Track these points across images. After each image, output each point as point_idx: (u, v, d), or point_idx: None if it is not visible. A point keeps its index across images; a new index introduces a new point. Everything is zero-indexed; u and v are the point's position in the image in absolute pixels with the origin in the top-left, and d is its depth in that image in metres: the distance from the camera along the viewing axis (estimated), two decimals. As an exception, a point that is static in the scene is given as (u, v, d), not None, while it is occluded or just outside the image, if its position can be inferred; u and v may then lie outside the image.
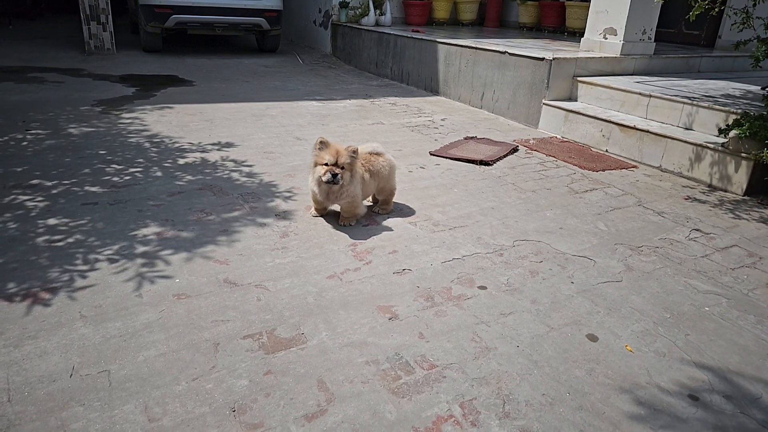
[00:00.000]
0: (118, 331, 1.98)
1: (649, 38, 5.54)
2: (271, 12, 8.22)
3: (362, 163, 2.91)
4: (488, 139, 4.79)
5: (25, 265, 2.37)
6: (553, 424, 1.69)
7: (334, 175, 2.67)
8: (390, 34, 7.50)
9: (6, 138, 4.03)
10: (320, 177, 2.70)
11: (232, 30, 8.36)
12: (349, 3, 8.57)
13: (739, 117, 3.72)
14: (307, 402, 1.71)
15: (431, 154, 4.28)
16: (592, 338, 2.12)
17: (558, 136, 5.04)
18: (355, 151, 2.74)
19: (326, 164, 2.68)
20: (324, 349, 1.96)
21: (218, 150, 4.09)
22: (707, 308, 2.37)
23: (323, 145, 2.70)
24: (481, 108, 6.03)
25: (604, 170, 4.11)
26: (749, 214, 3.40)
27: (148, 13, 7.63)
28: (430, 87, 6.81)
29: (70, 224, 2.76)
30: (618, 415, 1.74)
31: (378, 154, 3.03)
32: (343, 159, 2.69)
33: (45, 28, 10.39)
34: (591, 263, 2.70)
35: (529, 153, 4.48)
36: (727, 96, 4.54)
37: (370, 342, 2.02)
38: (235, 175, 3.61)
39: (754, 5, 3.69)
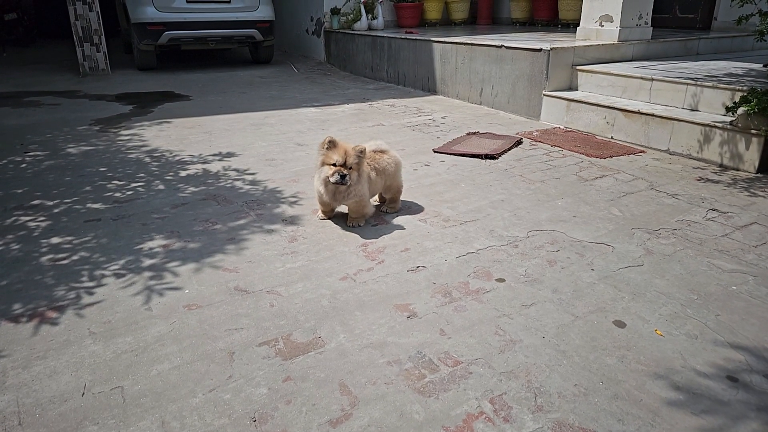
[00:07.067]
0: (129, 346, 1.91)
1: (646, 23, 5.49)
2: (263, 23, 8.20)
3: (367, 162, 2.84)
4: (491, 133, 4.73)
5: (30, 285, 2.31)
6: (590, 415, 1.61)
7: (343, 176, 2.60)
8: (384, 37, 7.47)
9: (5, 161, 3.98)
10: (327, 177, 2.63)
11: (225, 43, 8.34)
12: (340, 9, 8.56)
13: (746, 94, 3.65)
14: (330, 407, 1.64)
15: (435, 152, 4.22)
16: (620, 324, 2.04)
17: (561, 127, 4.98)
18: (362, 151, 2.68)
19: (334, 164, 2.62)
20: (343, 352, 1.88)
21: (219, 160, 4.04)
22: (734, 287, 2.29)
23: (332, 144, 2.64)
24: (480, 104, 5.97)
25: (611, 157, 4.05)
26: (765, 191, 3.33)
27: (141, 31, 7.61)
28: (428, 87, 6.76)
29: (73, 242, 2.70)
30: (656, 402, 1.66)
31: (383, 151, 2.97)
32: (351, 159, 2.63)
33: (39, 54, 10.39)
34: (609, 249, 2.62)
35: (533, 144, 4.42)
36: (730, 75, 4.48)
37: (390, 342, 1.94)
38: (238, 183, 3.55)
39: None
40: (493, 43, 5.67)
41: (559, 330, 2.01)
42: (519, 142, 4.45)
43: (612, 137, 4.54)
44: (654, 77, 4.49)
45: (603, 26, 5.45)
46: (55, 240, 2.72)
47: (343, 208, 2.98)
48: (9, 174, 3.72)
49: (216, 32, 7.90)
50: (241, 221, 2.95)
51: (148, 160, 4.04)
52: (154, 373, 1.77)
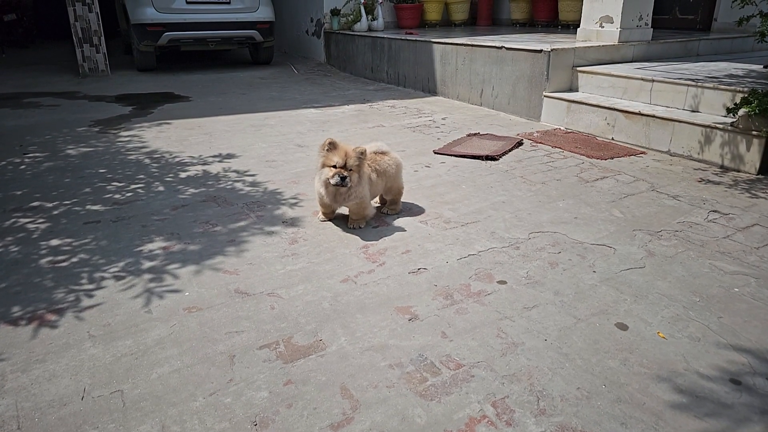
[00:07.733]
0: (129, 349, 1.90)
1: (646, 24, 5.49)
2: (263, 24, 8.19)
3: (368, 163, 2.84)
4: (491, 134, 4.73)
5: (29, 287, 2.29)
6: (593, 419, 1.60)
7: (343, 178, 2.60)
8: (384, 38, 7.47)
9: (4, 162, 3.97)
10: (328, 179, 2.63)
11: (225, 44, 8.33)
12: (340, 10, 8.55)
13: (747, 95, 3.64)
14: (331, 411, 1.63)
15: (435, 153, 4.22)
16: (622, 327, 2.03)
17: (561, 128, 4.97)
18: (363, 153, 2.67)
19: (334, 166, 2.61)
20: (344, 355, 1.87)
21: (219, 162, 4.03)
22: (737, 289, 2.28)
23: (332, 146, 2.63)
24: (481, 105, 5.97)
25: (612, 158, 4.04)
26: (766, 192, 3.32)
27: (141, 32, 7.60)
28: (428, 88, 6.76)
29: (73, 244, 2.69)
30: (659, 405, 1.65)
31: (383, 153, 2.97)
32: (352, 161, 2.62)
33: (38, 55, 10.38)
34: (611, 251, 2.61)
35: (534, 146, 4.41)
36: (731, 76, 4.48)
37: (391, 344, 1.93)
38: (238, 185, 3.54)
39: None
40: (493, 44, 5.67)
41: (561, 332, 2.00)
42: (519, 144, 4.44)
43: (613, 138, 4.53)
44: (654, 78, 4.48)
45: (603, 27, 5.45)
46: (54, 242, 2.71)
47: (343, 210, 2.97)
48: (8, 175, 3.71)
49: (216, 33, 7.89)
50: (242, 223, 2.94)
51: (147, 161, 4.03)
52: (154, 377, 1.76)
